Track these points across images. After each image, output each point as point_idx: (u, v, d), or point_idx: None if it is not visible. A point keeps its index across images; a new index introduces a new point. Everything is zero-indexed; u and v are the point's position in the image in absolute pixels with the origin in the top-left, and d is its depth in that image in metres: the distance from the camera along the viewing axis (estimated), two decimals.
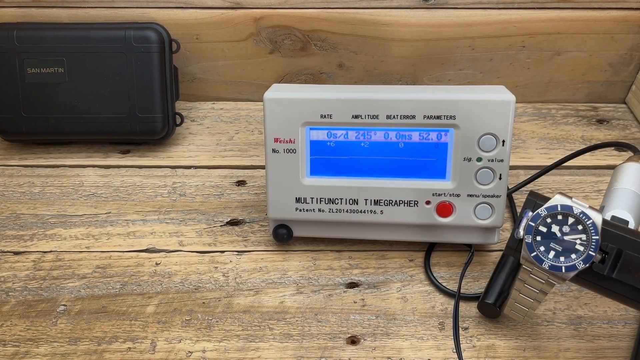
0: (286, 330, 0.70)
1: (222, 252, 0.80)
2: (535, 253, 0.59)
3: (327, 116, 0.72)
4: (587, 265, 0.57)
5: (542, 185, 0.89)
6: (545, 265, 0.59)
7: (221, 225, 0.84)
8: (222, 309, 0.73)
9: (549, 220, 0.59)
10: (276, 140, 0.73)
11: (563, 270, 0.58)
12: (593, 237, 0.57)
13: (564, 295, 0.73)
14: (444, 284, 0.75)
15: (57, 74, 0.92)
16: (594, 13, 0.97)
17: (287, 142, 0.73)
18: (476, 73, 1.03)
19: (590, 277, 0.59)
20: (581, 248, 0.58)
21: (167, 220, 0.85)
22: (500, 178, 0.72)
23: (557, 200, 0.60)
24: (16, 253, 0.80)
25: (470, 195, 0.73)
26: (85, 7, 0.98)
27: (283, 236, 0.78)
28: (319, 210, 0.76)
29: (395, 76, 1.04)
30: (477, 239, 0.76)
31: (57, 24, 0.96)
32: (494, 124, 0.70)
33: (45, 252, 0.81)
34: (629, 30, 0.98)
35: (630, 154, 0.75)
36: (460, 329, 0.70)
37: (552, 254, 0.59)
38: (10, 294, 0.75)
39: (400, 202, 0.74)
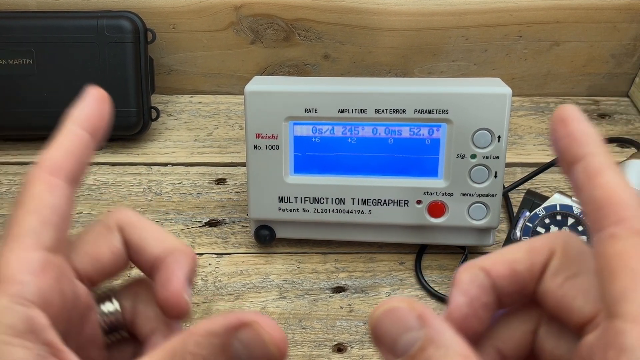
0: None
1: (201, 254, 0.80)
2: None
3: (311, 110, 0.72)
4: None
5: (540, 183, 0.89)
6: None
7: (199, 226, 0.83)
8: (200, 315, 0.72)
9: (547, 220, 0.59)
10: (258, 135, 0.73)
11: None
12: None
13: None
14: (436, 289, 0.75)
15: (25, 66, 0.91)
16: (595, 1, 0.97)
17: (269, 137, 0.73)
18: (470, 65, 1.03)
19: None
20: None
21: None
22: (495, 176, 0.72)
23: (556, 199, 0.60)
24: None
25: (464, 195, 0.73)
26: None
27: (265, 238, 0.78)
28: (304, 210, 0.75)
29: (384, 68, 1.04)
30: (471, 240, 0.76)
31: (25, 13, 0.95)
32: (489, 118, 0.70)
33: None
34: (632, 19, 0.98)
35: (633, 150, 0.75)
36: None
37: None
38: None
39: (390, 201, 0.74)
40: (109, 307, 0.44)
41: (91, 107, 0.41)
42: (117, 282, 0.45)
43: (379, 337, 0.33)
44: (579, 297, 0.34)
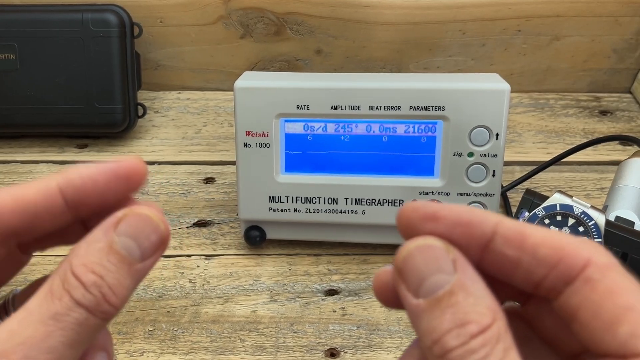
0: (259, 341, 0.70)
1: (189, 256, 0.79)
2: None
3: (303, 107, 0.71)
4: None
5: (539, 182, 0.89)
6: None
7: (187, 227, 0.83)
8: (188, 318, 0.72)
9: (547, 221, 0.59)
10: (248, 133, 0.73)
11: None
12: (595, 240, 0.57)
13: None
14: None
15: (7, 61, 0.91)
16: None
17: (259, 135, 0.73)
18: (467, 60, 1.03)
19: None
20: None
21: None
22: (493, 175, 0.71)
23: (556, 199, 0.59)
24: None
25: (461, 194, 0.72)
26: None
27: (255, 239, 0.78)
28: (295, 210, 0.75)
29: (378, 63, 1.03)
30: None
31: (7, 6, 0.94)
32: (486, 115, 0.69)
33: None
34: (634, 13, 0.98)
35: (636, 148, 0.75)
36: None
37: None
38: None
39: (384, 201, 0.73)
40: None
41: (99, 177, 0.35)
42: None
43: (404, 273, 0.32)
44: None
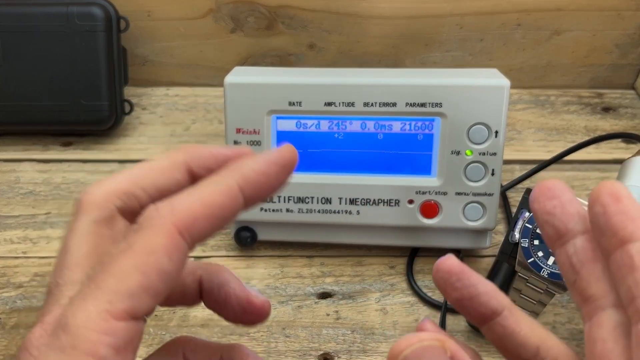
0: (250, 346, 0.69)
1: None
2: (532, 259, 0.58)
3: (296, 103, 0.71)
4: None
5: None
6: (544, 273, 0.58)
7: None
8: (176, 322, 0.72)
9: None
10: (238, 130, 0.73)
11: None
12: None
13: (565, 307, 0.73)
14: (429, 294, 0.75)
15: None
16: None
17: (250, 132, 0.72)
18: (465, 55, 1.03)
19: None
20: None
21: None
22: (492, 174, 0.71)
23: None
24: None
25: (459, 194, 0.72)
26: None
27: (246, 240, 0.77)
28: (287, 210, 0.75)
29: (373, 58, 1.03)
30: (466, 242, 0.76)
31: None
32: (485, 112, 0.69)
33: None
34: (637, 7, 0.98)
35: (639, 146, 0.75)
36: None
37: (551, 260, 0.58)
38: None
39: (379, 201, 0.73)
40: None
41: (270, 170, 0.35)
42: None
43: None
44: None
